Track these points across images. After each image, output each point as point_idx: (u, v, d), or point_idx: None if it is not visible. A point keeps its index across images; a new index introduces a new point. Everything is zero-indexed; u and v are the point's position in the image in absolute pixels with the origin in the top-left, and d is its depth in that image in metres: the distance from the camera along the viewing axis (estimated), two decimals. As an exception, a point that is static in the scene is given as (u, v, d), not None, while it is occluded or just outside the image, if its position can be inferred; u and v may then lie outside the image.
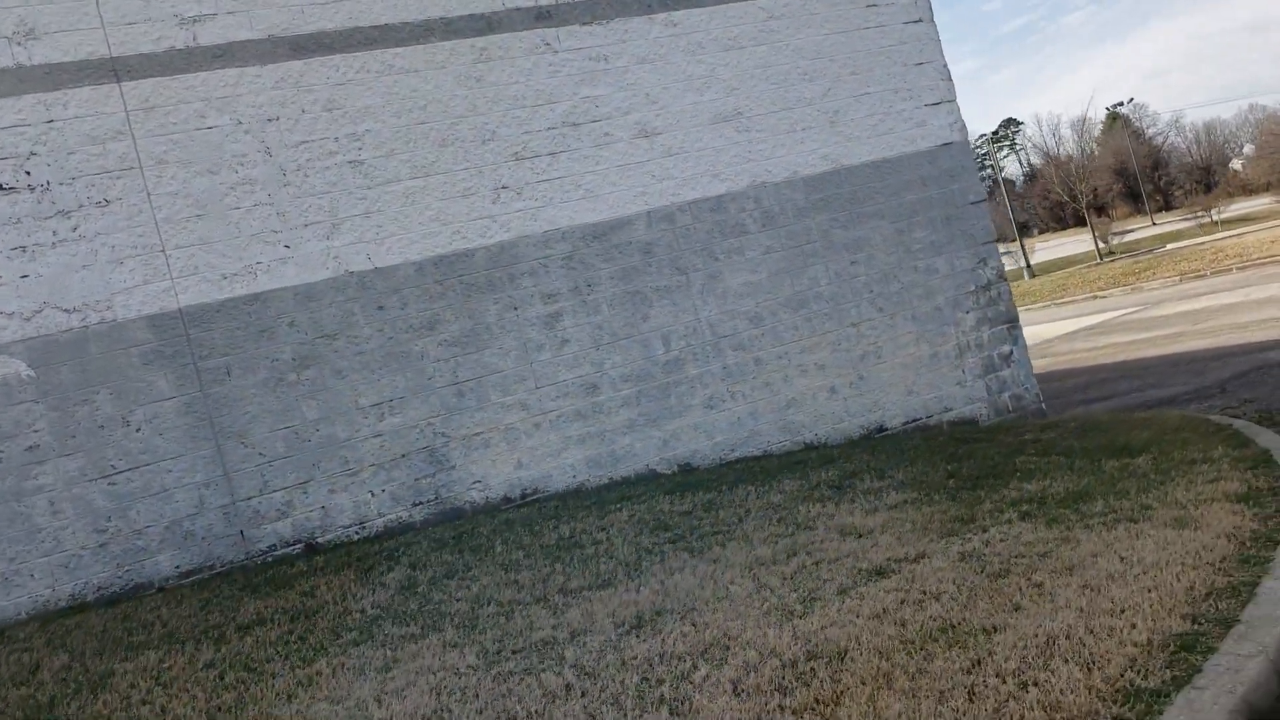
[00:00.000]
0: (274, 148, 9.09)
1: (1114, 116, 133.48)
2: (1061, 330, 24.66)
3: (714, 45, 11.07)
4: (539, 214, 10.03)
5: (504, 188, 9.90)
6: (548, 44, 10.31)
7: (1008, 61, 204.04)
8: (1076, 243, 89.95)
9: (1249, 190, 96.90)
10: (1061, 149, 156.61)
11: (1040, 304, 35.84)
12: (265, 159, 9.05)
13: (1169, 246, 58.02)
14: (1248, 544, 4.83)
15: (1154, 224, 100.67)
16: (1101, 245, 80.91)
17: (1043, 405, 12.26)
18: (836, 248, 11.40)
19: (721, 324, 10.70)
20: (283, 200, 9.06)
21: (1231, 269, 29.48)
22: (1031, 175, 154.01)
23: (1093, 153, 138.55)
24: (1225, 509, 5.46)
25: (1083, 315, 27.20)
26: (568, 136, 10.28)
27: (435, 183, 9.63)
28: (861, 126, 11.70)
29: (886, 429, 11.35)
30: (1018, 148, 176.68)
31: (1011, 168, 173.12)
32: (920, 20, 12.17)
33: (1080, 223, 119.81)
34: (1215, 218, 74.79)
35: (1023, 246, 75.84)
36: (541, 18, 10.27)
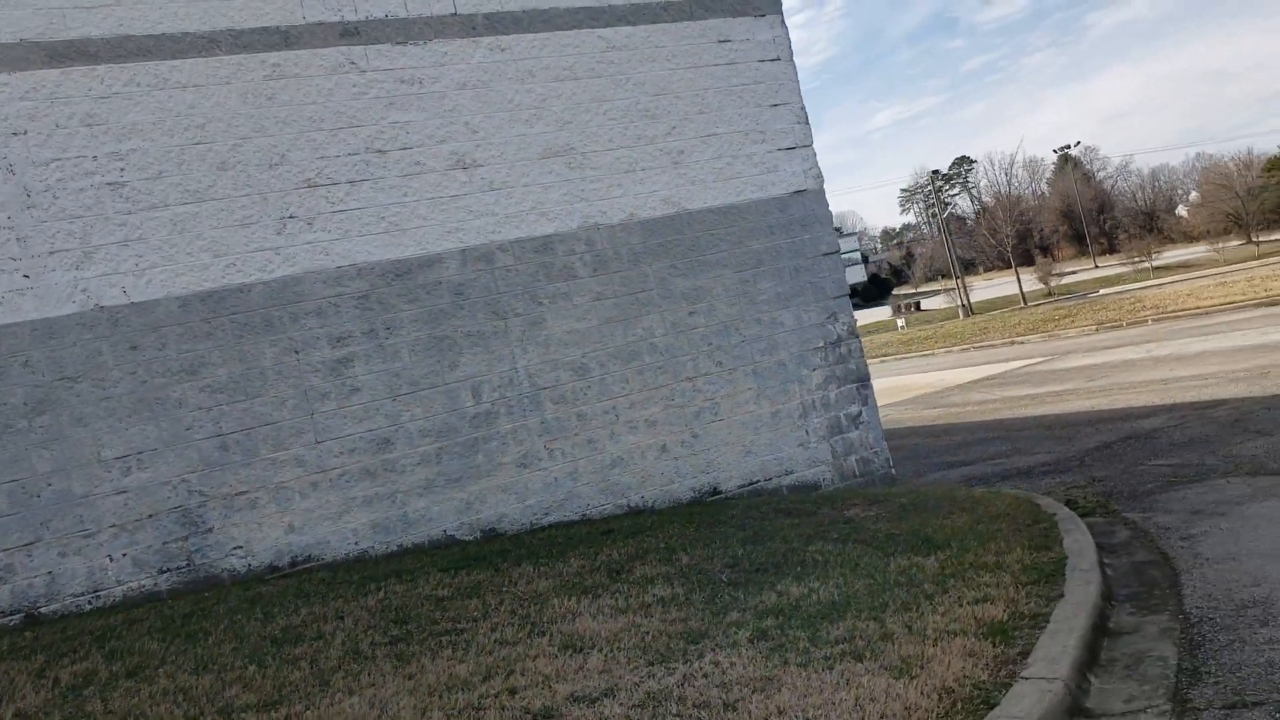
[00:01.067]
0: (18, 165, 8.22)
1: (1065, 158, 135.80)
2: (965, 378, 24.30)
3: (546, 74, 10.38)
4: (332, 248, 9.25)
5: (291, 217, 9.10)
6: (353, 63, 9.56)
7: (972, 99, 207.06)
8: (1025, 281, 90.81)
9: (1190, 237, 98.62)
10: (1013, 188, 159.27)
11: (960, 346, 35.65)
12: (6, 177, 8.18)
13: (1101, 291, 58.58)
14: (959, 707, 4.16)
15: (1096, 266, 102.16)
16: (1041, 286, 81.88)
17: (892, 470, 11.67)
18: (675, 296, 10.73)
19: (542, 375, 9.97)
20: (24, 224, 8.19)
21: (1147, 320, 29.43)
22: (982, 213, 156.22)
23: (1043, 194, 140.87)
24: (965, 647, 4.82)
25: (994, 362, 26.91)
26: (372, 164, 9.52)
27: (210, 209, 8.81)
28: (707, 169, 11.08)
29: (720, 492, 10.67)
30: (970, 185, 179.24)
31: (964, 204, 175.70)
32: (777, 59, 11.60)
33: (1027, 262, 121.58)
34: (1142, 265, 75.84)
35: (962, 285, 76.47)
36: (348, 34, 9.51)
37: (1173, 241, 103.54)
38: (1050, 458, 11.99)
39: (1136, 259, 73.42)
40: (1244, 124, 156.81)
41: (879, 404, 20.41)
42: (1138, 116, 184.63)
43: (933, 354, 36.35)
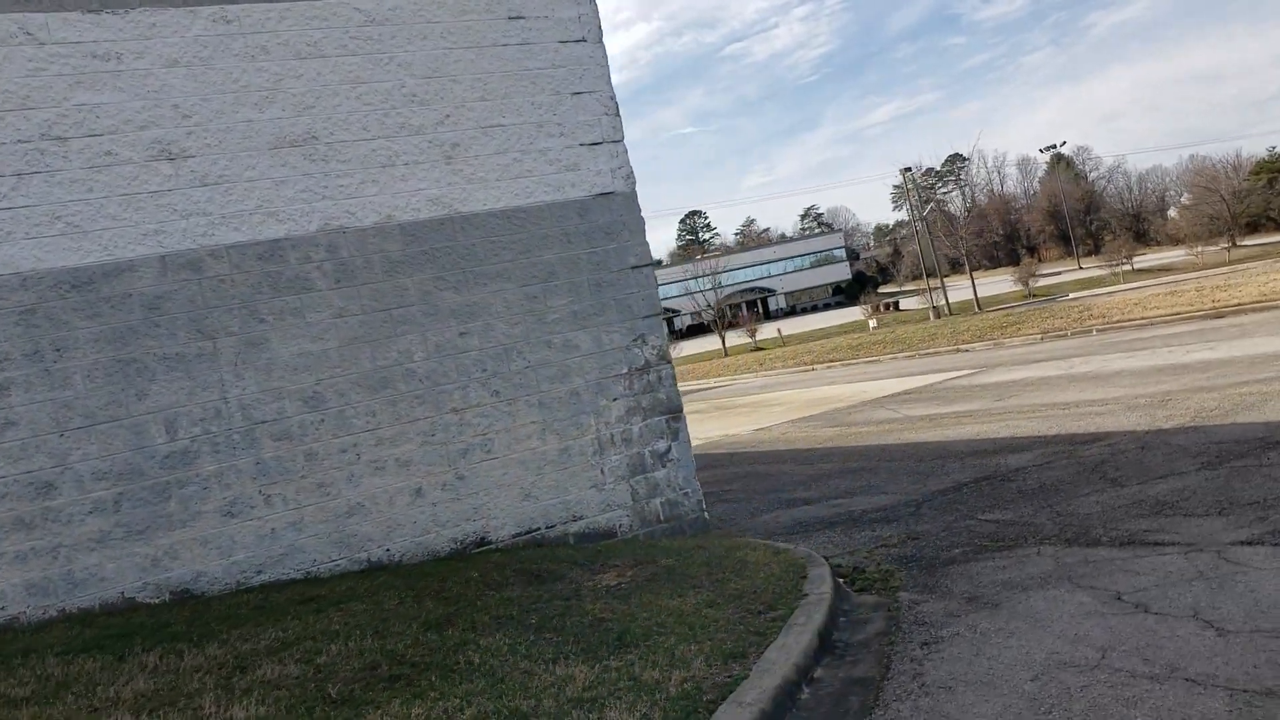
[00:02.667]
0: None
1: (1058, 158, 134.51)
2: (889, 390, 22.94)
3: (284, 51, 8.92)
4: (-15, 255, 7.78)
5: (-72, 219, 7.63)
6: (29, 34, 8.09)
7: (969, 96, 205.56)
8: (1004, 282, 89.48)
9: (1175, 240, 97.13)
10: (1005, 187, 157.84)
11: (906, 353, 34.28)
12: None
13: (1070, 295, 57.21)
14: None
15: (1080, 268, 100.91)
16: (1020, 287, 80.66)
17: (705, 514, 10.28)
18: (441, 314, 9.30)
19: (261, 406, 8.52)
20: None
21: (1091, 330, 28.11)
22: (973, 211, 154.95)
23: (1035, 193, 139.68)
24: None
25: (927, 373, 25.55)
26: (49, 154, 8.07)
27: None
28: (489, 165, 9.63)
29: (490, 542, 9.26)
30: (962, 183, 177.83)
31: (955, 203, 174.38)
32: (583, 40, 10.15)
33: (1013, 261, 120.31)
34: (1120, 268, 74.66)
35: (937, 285, 75.02)
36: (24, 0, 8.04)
37: (1158, 244, 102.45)
38: (893, 500, 10.61)
39: (1116, 261, 72.08)
40: (1238, 127, 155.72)
41: (792, 417, 19.10)
42: (1132, 117, 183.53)
43: (878, 360, 34.98)
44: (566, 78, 10.18)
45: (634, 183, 10.45)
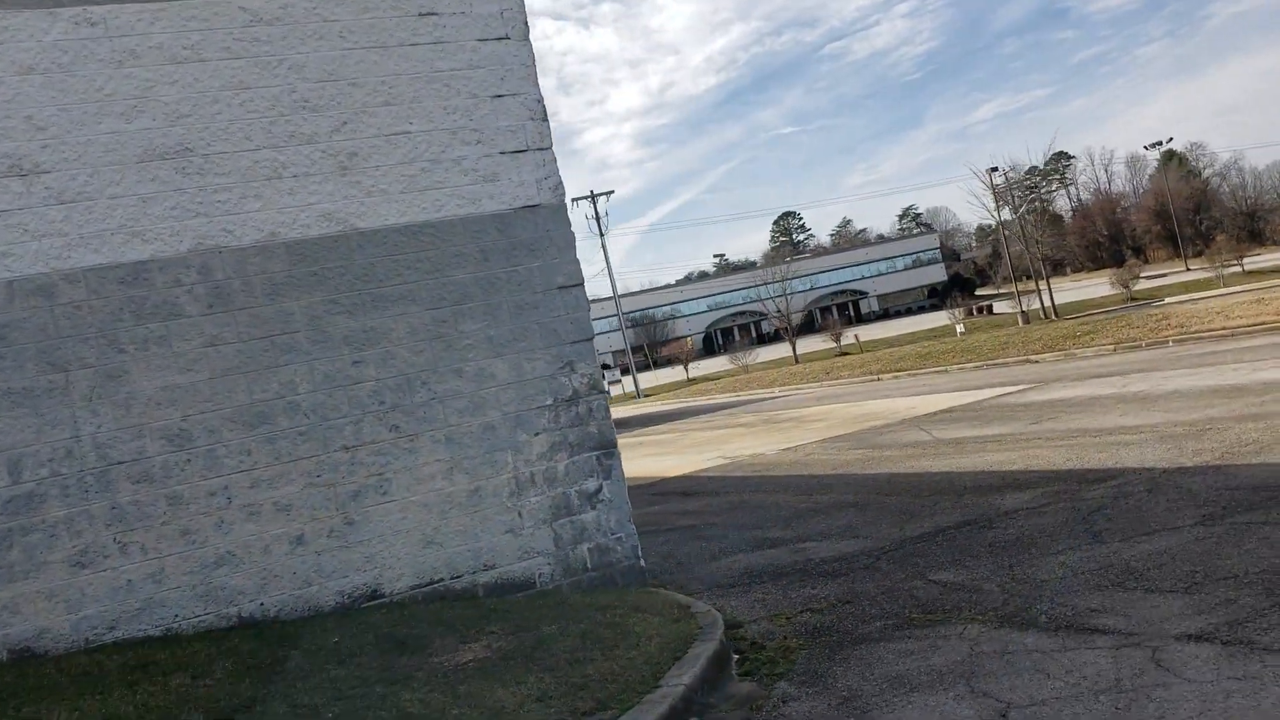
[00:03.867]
0: None
1: (1170, 155, 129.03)
2: (931, 407, 21.51)
3: (157, 55, 8.18)
4: None
5: None
6: None
7: (1078, 91, 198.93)
8: (1104, 285, 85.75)
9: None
10: (1114, 185, 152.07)
11: (974, 364, 32.50)
12: None
13: (1166, 300, 54.21)
14: None
15: (1188, 269, 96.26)
16: (1120, 290, 77.25)
17: (640, 561, 9.27)
18: (333, 341, 8.46)
19: (118, 444, 7.78)
20: None
21: (1168, 341, 26.11)
22: (1077, 211, 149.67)
23: (1142, 192, 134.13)
24: None
25: (981, 387, 23.99)
26: (-118, 174, 7.41)
27: None
28: (393, 177, 8.76)
29: (383, 595, 8.38)
30: (1067, 182, 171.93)
31: (1061, 202, 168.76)
32: (505, 38, 9.22)
33: (1118, 263, 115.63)
34: (1224, 270, 70.67)
35: (1038, 289, 71.94)
36: None
37: (1276, 244, 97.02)
38: (860, 547, 9.48)
39: (1221, 262, 68.30)
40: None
41: (828, 435, 17.99)
42: (1252, 111, 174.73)
43: (946, 370, 33.25)
44: (486, 79, 9.24)
45: (563, 194, 9.45)
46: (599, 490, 9.22)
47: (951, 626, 6.49)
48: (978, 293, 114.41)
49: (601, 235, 67.39)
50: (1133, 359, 24.18)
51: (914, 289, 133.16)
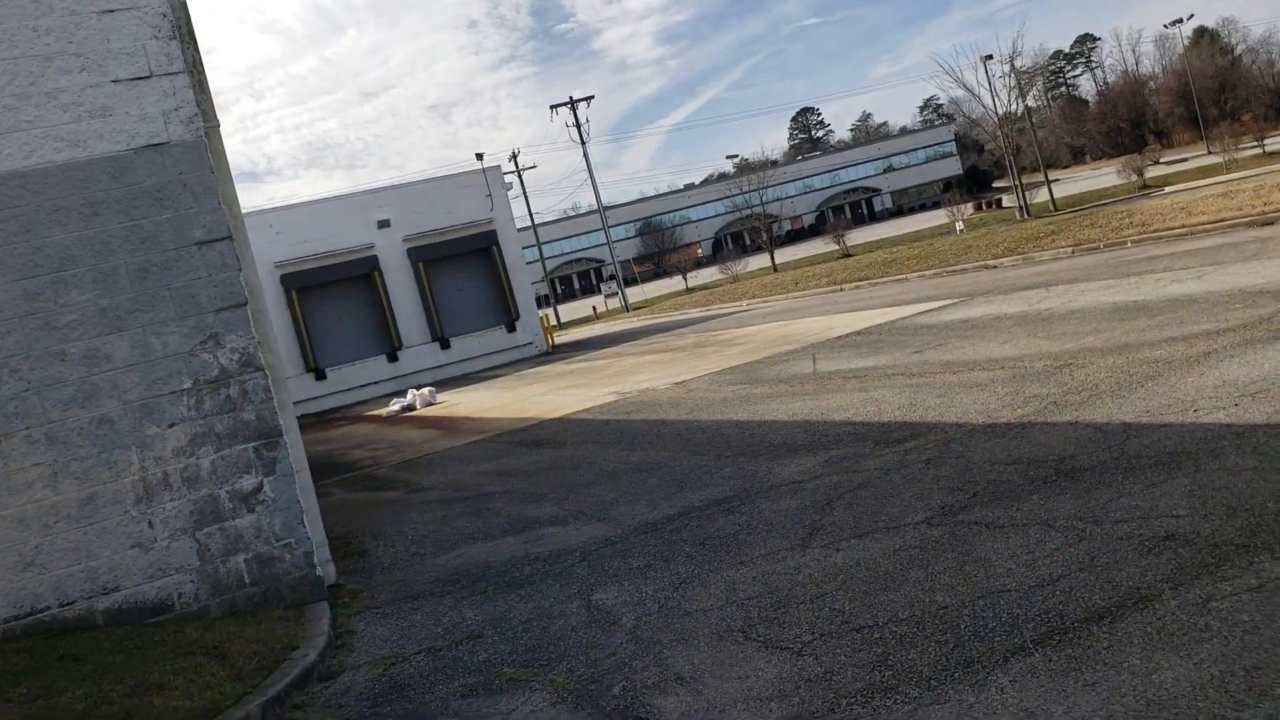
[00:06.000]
0: None
1: (1200, 31, 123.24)
2: (851, 327, 19.90)
3: None
4: None
5: None
6: None
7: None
8: (1120, 173, 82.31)
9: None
10: (1141, 67, 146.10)
11: (933, 270, 30.51)
12: None
13: (1166, 191, 51.45)
14: None
15: (1210, 153, 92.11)
16: (1132, 179, 74.16)
17: (317, 569, 7.85)
18: (-110, 326, 6.87)
19: None
20: None
21: (1126, 242, 24.01)
22: (1103, 95, 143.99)
23: (1166, 74, 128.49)
24: None
25: (916, 301, 22.22)
26: None
27: None
28: (-40, 118, 7.06)
29: (-30, 630, 6.91)
30: (1093, 65, 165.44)
31: (1087, 86, 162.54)
32: (108, -66, 7.39)
33: (1140, 147, 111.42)
34: (1235, 154, 67.17)
35: (1047, 181, 68.98)
36: None
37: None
38: (595, 535, 8.26)
39: (1227, 148, 64.97)
40: None
41: (731, 364, 16.59)
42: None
43: (905, 279, 31.26)
44: (87, -10, 7.47)
45: (201, 127, 7.76)
46: (259, 489, 7.70)
47: (518, 696, 4.96)
48: (995, 185, 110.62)
49: (583, 143, 64.83)
50: (1080, 264, 22.19)
51: (929, 184, 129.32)
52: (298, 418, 31.72)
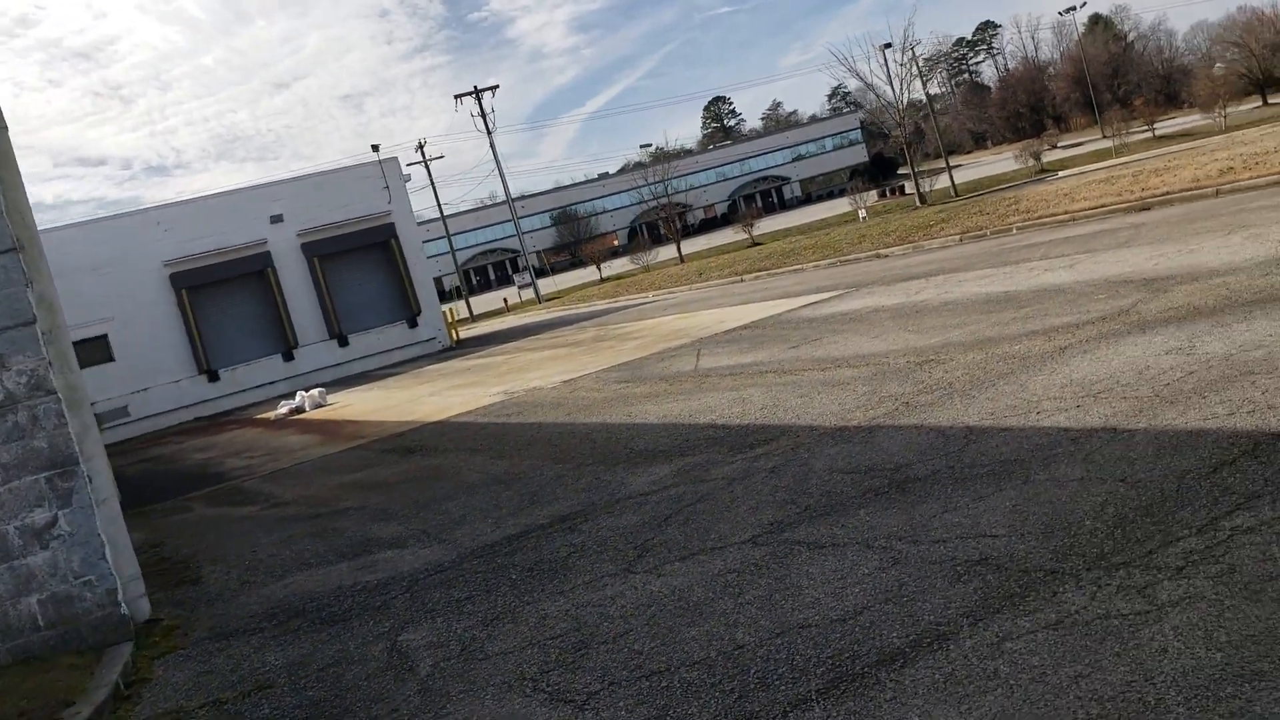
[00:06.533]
0: None
1: (1095, 19, 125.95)
2: (739, 320, 19.68)
3: None
4: None
5: None
6: None
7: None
8: (1017, 158, 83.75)
9: (1207, 103, 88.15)
10: (1040, 54, 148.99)
11: (830, 259, 30.47)
12: None
13: (1060, 175, 52.41)
14: None
15: (1103, 136, 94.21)
16: (1032, 162, 75.62)
17: (122, 608, 7.21)
18: None
19: None
20: None
21: (1012, 229, 24.15)
22: (1003, 81, 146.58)
23: (1059, 59, 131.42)
24: None
25: (801, 294, 22.02)
26: None
27: None
28: None
29: None
30: (995, 52, 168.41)
31: (988, 73, 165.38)
32: None
33: (1039, 133, 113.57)
34: (1121, 139, 68.96)
35: (948, 167, 70.13)
36: None
37: (1191, 107, 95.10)
38: (431, 558, 7.85)
39: (1116, 132, 66.56)
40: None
41: (619, 360, 16.30)
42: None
43: (801, 269, 31.17)
44: None
45: (-20, 132, 7.04)
46: (53, 523, 7.06)
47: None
48: (900, 172, 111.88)
49: (489, 133, 63.84)
50: (965, 253, 22.23)
51: (836, 171, 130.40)
52: (193, 420, 30.65)
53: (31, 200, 7.56)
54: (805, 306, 19.36)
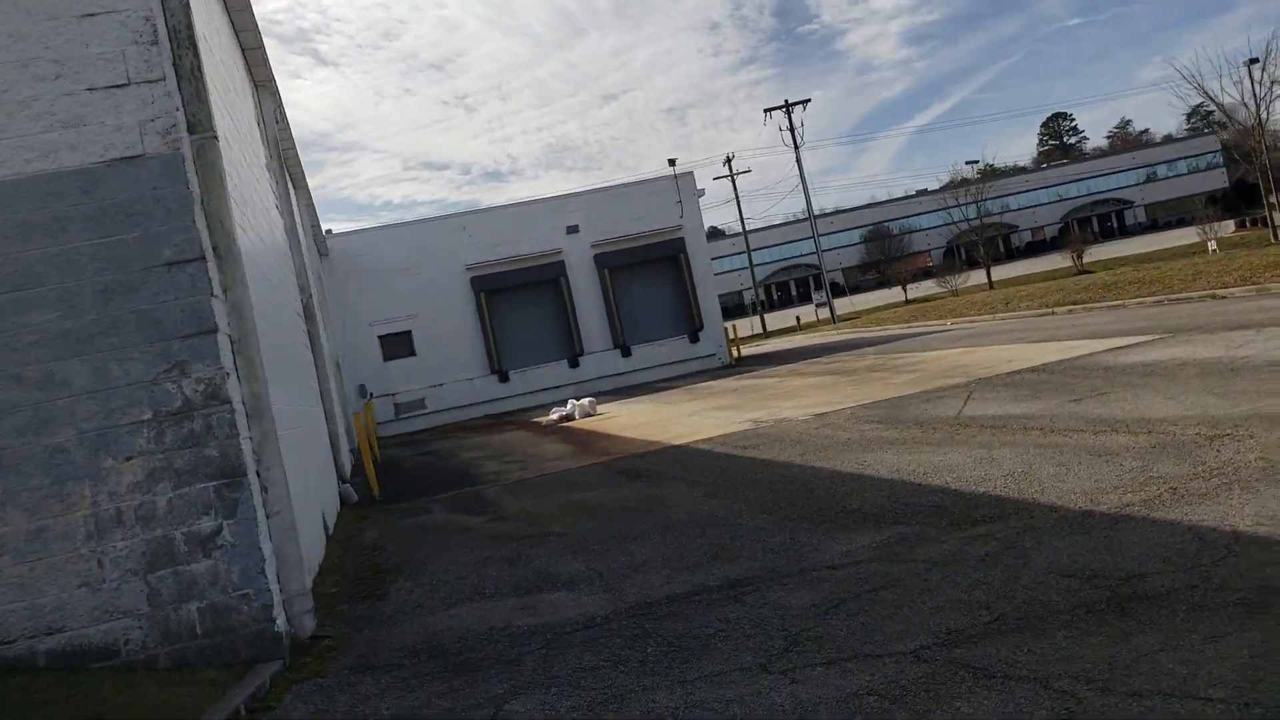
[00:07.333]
0: None
1: None
2: (1020, 363, 17.88)
3: None
4: None
5: None
6: None
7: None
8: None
9: None
10: None
11: (1156, 296, 27.43)
12: None
13: None
14: None
15: None
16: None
17: (275, 625, 7.08)
18: None
19: None
20: None
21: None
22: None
23: None
24: None
25: (1108, 336, 19.80)
26: None
27: None
28: (-72, 127, 6.81)
29: (-93, 664, 6.64)
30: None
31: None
32: (92, -68, 6.99)
33: None
34: None
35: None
36: None
37: None
38: (592, 610, 7.14)
39: None
40: None
41: (884, 395, 15.86)
42: None
43: (1123, 304, 28.27)
44: (68, -9, 7.06)
45: (183, 139, 7.20)
46: (218, 532, 7.07)
47: None
48: (1273, 200, 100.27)
49: (796, 147, 63.13)
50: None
51: (1190, 197, 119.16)
52: (482, 417, 31.78)
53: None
54: (1107, 351, 17.24)
